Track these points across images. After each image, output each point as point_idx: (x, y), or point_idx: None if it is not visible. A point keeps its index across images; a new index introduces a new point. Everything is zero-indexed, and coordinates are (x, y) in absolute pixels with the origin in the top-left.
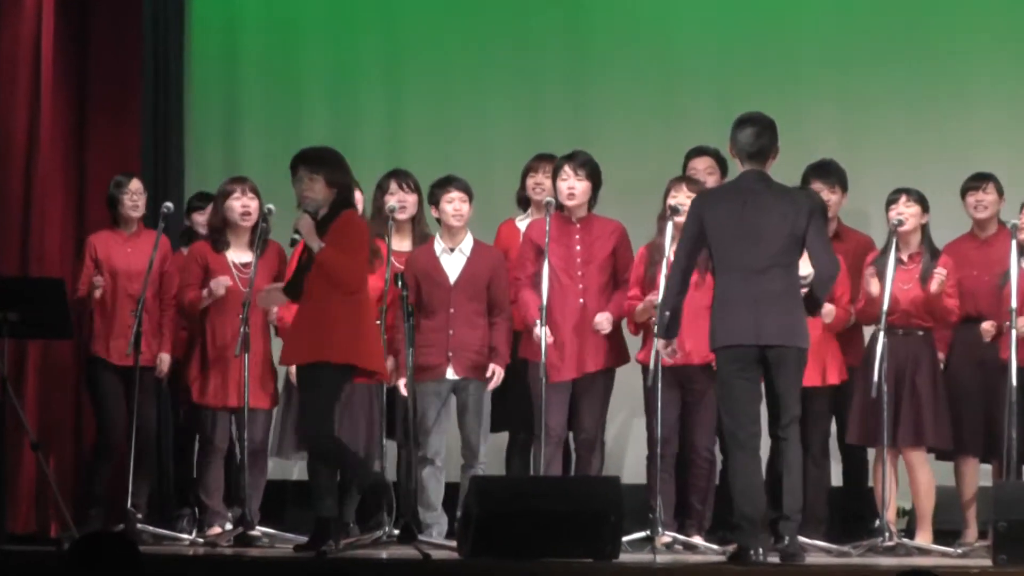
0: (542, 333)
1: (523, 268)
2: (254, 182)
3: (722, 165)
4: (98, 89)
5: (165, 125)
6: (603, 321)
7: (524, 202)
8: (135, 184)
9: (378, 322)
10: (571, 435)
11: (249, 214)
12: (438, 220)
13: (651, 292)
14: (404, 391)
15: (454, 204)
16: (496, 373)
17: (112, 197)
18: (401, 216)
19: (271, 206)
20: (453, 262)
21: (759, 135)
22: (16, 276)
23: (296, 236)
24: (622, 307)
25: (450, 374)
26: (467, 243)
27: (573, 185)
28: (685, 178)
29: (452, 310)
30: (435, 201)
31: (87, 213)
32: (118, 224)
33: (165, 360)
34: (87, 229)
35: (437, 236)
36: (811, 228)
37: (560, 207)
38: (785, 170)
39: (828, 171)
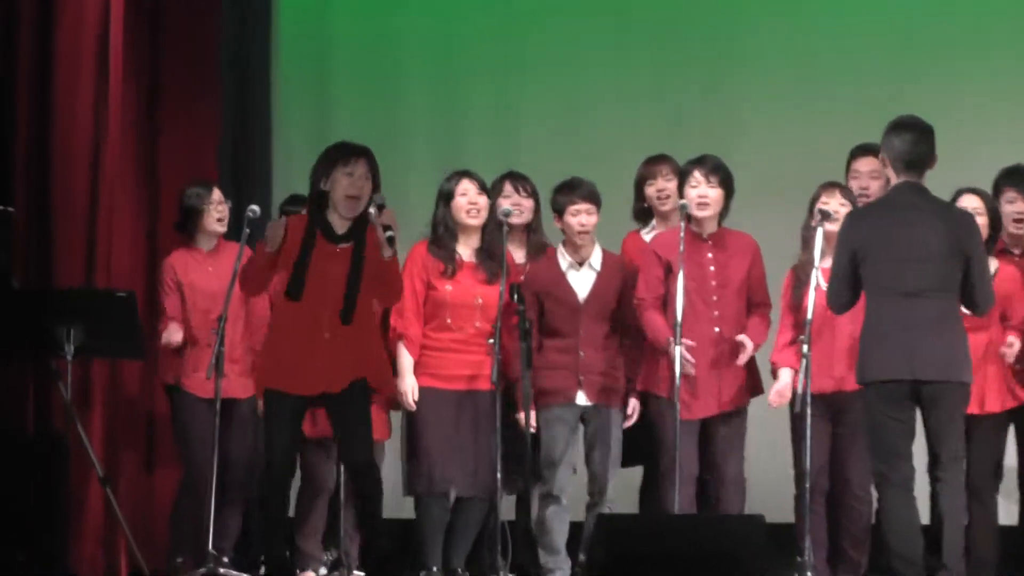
0: (676, 357)
1: (648, 288)
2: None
3: None
4: (172, 80)
5: (247, 121)
6: (746, 340)
7: (644, 214)
8: (217, 195)
9: (491, 340)
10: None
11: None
12: (561, 230)
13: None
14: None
15: (580, 217)
16: (635, 409)
17: (190, 209)
18: (516, 220)
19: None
20: (581, 279)
21: (917, 142)
22: (81, 287)
23: (390, 232)
24: (762, 334)
25: (581, 399)
26: (596, 257)
27: (705, 193)
28: (837, 184)
29: (582, 331)
30: (559, 210)
31: (160, 217)
32: (194, 239)
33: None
34: (160, 236)
35: (560, 249)
36: (976, 252)
37: (688, 218)
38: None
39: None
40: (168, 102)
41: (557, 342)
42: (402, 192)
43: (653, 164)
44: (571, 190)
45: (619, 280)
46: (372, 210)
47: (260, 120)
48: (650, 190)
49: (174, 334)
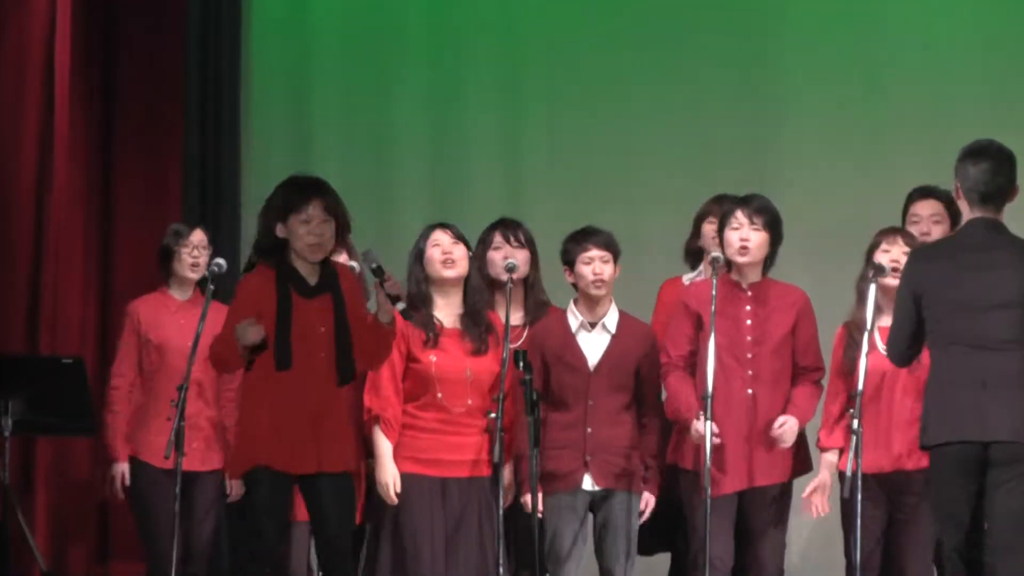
0: (707, 427)
1: (675, 345)
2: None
3: (952, 213)
4: (130, 108)
5: (217, 154)
6: (786, 433)
7: (695, 255)
8: (197, 237)
9: (492, 415)
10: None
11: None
12: (573, 285)
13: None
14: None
15: (594, 265)
16: (648, 504)
17: (166, 250)
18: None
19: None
20: (593, 341)
21: (995, 171)
22: (21, 353)
23: (400, 304)
24: (811, 408)
25: (587, 484)
26: (611, 317)
27: (747, 236)
28: (899, 230)
29: (591, 402)
30: (570, 261)
31: (114, 268)
32: (168, 285)
33: (234, 486)
34: (114, 291)
35: (572, 307)
36: None
37: (728, 265)
38: None
39: None
40: (124, 133)
41: (563, 415)
42: (389, 226)
43: (719, 203)
44: (584, 237)
45: (640, 348)
46: (367, 273)
47: (230, 153)
48: (708, 229)
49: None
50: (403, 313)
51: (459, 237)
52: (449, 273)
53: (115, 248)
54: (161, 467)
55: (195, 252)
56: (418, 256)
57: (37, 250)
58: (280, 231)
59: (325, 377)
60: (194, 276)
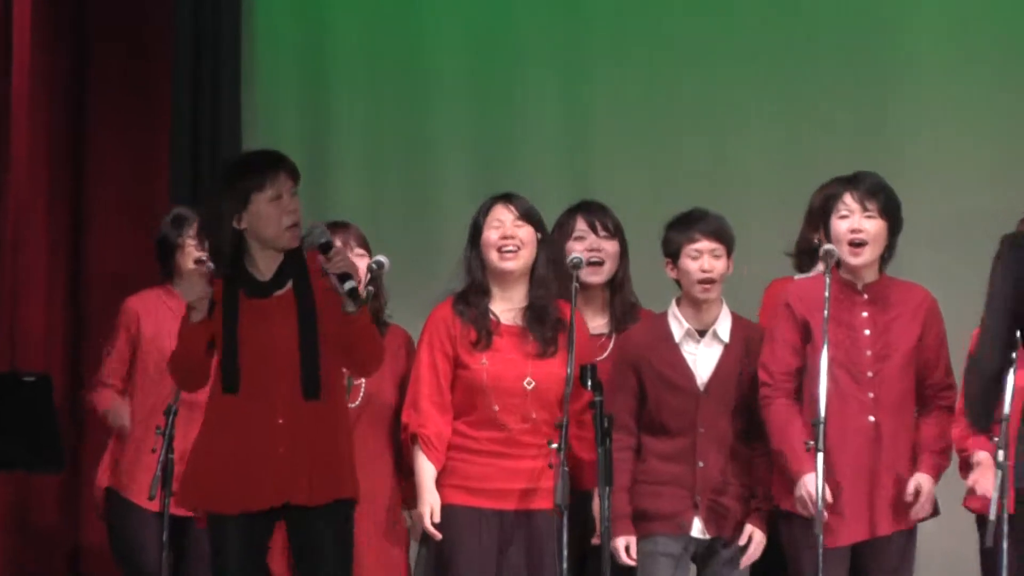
0: (818, 466)
1: (777, 359)
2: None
3: None
4: (106, 54)
5: (212, 135)
6: (923, 507)
7: (810, 255)
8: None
9: (554, 445)
10: None
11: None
12: (677, 282)
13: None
14: (626, 557)
15: (703, 261)
16: (755, 541)
17: (165, 243)
18: (594, 278)
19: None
20: (703, 354)
21: None
22: None
23: (350, 283)
24: (946, 453)
25: (696, 530)
26: (724, 322)
27: (860, 226)
28: None
29: (701, 429)
30: (672, 253)
31: (84, 268)
32: (172, 281)
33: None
34: (87, 295)
35: (673, 310)
36: None
37: (837, 264)
38: None
39: None
40: (99, 92)
41: (665, 443)
42: (425, 217)
43: (841, 185)
44: (690, 223)
45: (757, 354)
46: (320, 256)
47: (229, 118)
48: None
49: (119, 415)
50: (351, 294)
51: (526, 215)
52: (507, 265)
53: (87, 238)
54: (148, 508)
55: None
56: (474, 234)
57: None
58: (238, 222)
59: (288, 390)
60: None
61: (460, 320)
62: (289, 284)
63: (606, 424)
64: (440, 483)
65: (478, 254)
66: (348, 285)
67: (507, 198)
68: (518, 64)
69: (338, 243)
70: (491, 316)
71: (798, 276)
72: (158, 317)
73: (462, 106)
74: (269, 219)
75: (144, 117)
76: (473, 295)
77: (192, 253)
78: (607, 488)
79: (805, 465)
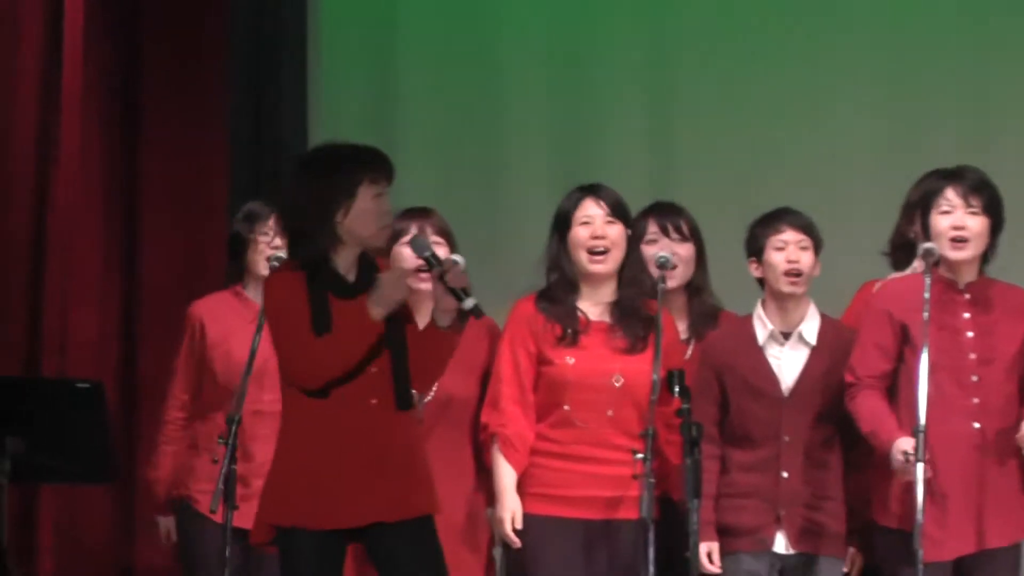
0: (919, 474)
1: (865, 362)
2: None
3: None
4: (159, 87)
5: (274, 129)
6: None
7: (904, 250)
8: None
9: (640, 455)
10: None
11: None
12: (759, 282)
13: None
14: (709, 564)
15: (788, 251)
16: (856, 566)
17: (238, 239)
18: (671, 283)
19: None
20: (788, 357)
21: None
22: (20, 376)
23: (469, 302)
24: None
25: (780, 545)
26: (811, 323)
27: (963, 222)
28: None
29: (786, 438)
30: (756, 249)
31: (139, 269)
32: (243, 282)
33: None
34: (143, 292)
35: (758, 312)
36: None
37: (936, 263)
38: None
39: None
40: (154, 81)
41: (747, 454)
42: (498, 208)
43: (937, 179)
44: (776, 217)
45: (847, 362)
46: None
47: (293, 104)
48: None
49: (166, 524)
50: (474, 312)
51: (617, 211)
52: (598, 268)
53: (142, 239)
54: (220, 521)
55: (275, 240)
56: (561, 228)
57: (38, 240)
58: (341, 216)
59: (381, 400)
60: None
61: (544, 316)
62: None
63: (694, 433)
64: (520, 490)
65: (565, 250)
66: (470, 303)
67: (596, 191)
68: (597, 51)
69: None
70: (579, 313)
71: (893, 274)
72: (226, 322)
73: (538, 93)
74: (369, 215)
75: (201, 113)
76: (560, 291)
77: (265, 251)
78: (695, 500)
79: (896, 433)
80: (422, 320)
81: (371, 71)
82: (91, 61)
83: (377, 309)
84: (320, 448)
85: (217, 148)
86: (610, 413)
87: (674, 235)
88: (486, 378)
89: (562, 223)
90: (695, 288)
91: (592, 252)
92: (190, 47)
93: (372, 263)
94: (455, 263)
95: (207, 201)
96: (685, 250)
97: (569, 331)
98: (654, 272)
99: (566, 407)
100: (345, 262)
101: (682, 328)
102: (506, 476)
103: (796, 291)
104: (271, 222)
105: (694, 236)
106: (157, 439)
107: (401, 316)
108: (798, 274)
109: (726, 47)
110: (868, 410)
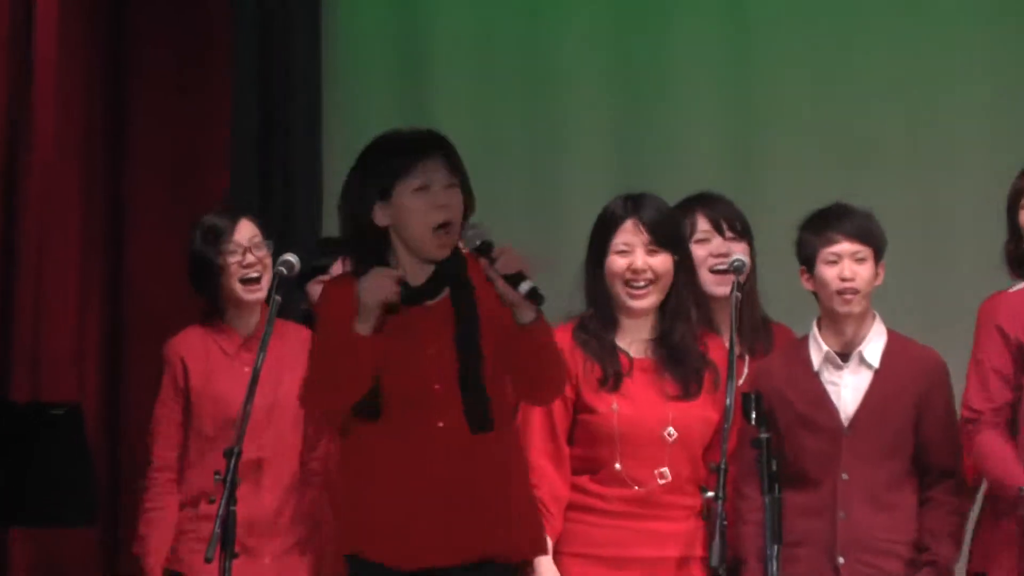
0: None
1: (985, 393)
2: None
3: None
4: (149, 66)
5: (286, 128)
6: None
7: (1019, 259)
8: (245, 230)
9: (709, 493)
10: None
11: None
12: (814, 295)
13: None
14: None
15: (842, 266)
16: None
17: (199, 261)
18: (721, 289)
19: (290, 257)
20: (848, 383)
21: None
22: None
23: (526, 284)
24: None
25: None
26: (874, 344)
27: None
28: None
29: (845, 475)
30: (807, 258)
31: (126, 278)
32: (222, 314)
33: None
34: (128, 304)
35: (814, 331)
36: None
37: None
38: None
39: None
40: (142, 90)
41: (802, 495)
42: (547, 211)
43: None
44: (826, 221)
45: (921, 386)
46: (473, 252)
47: (307, 77)
48: None
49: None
50: (532, 295)
51: (662, 238)
52: (636, 304)
53: (128, 241)
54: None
55: (247, 257)
56: (597, 253)
57: (7, 238)
58: (380, 217)
59: (449, 422)
60: (252, 296)
61: (582, 352)
62: (446, 291)
63: (775, 467)
64: (557, 550)
65: (601, 278)
66: (525, 286)
67: (638, 210)
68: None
69: (506, 245)
70: (619, 351)
71: (1015, 287)
72: (209, 362)
73: (597, 81)
74: (411, 215)
75: (201, 96)
76: (596, 325)
77: (238, 272)
78: (775, 546)
79: (1019, 481)
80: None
81: (396, 58)
82: (70, 36)
83: (359, 320)
84: (380, 479)
85: (215, 140)
86: (666, 478)
87: (729, 233)
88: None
89: (599, 246)
90: (747, 295)
91: (630, 285)
92: (185, 27)
93: (459, 267)
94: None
95: (203, 200)
96: (740, 250)
97: (611, 372)
98: (706, 279)
99: (617, 466)
100: (412, 268)
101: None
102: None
103: (852, 310)
104: (237, 234)
105: (747, 234)
106: (141, 506)
107: (469, 316)
108: (853, 293)
109: (811, 40)
110: (992, 453)
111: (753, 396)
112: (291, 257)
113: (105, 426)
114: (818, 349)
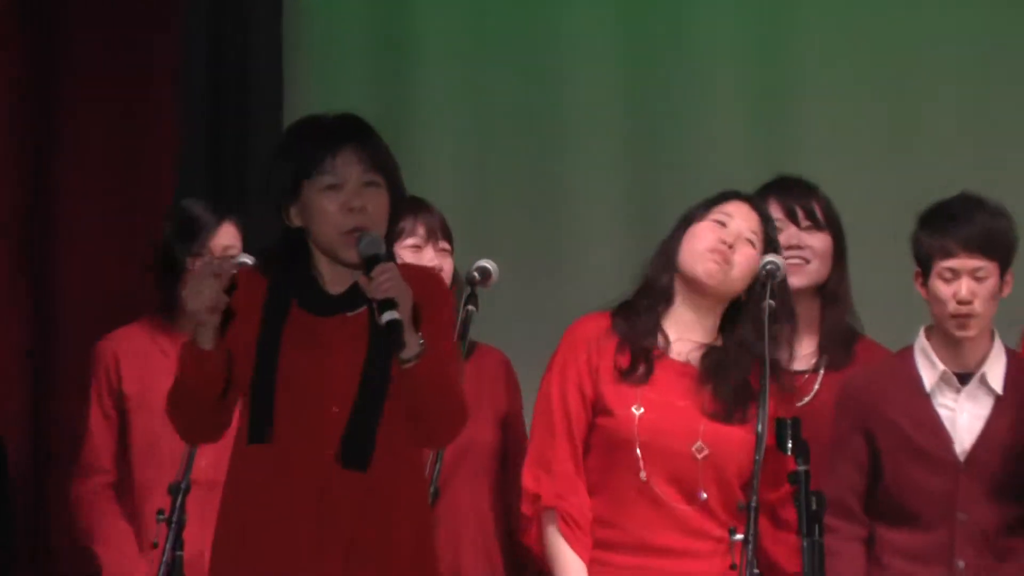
0: None
1: None
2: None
3: None
4: (77, 84)
5: (240, 50)
6: None
7: None
8: (226, 235)
9: (738, 536)
10: None
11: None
12: (928, 303)
13: None
14: None
15: (960, 285)
16: None
17: (166, 252)
18: (795, 280)
19: (245, 258)
20: (965, 409)
21: None
22: None
23: (389, 314)
24: None
25: None
26: (995, 364)
27: None
28: None
29: (962, 516)
30: (924, 259)
31: (56, 289)
32: (170, 314)
33: None
34: (57, 318)
35: (922, 343)
36: None
37: None
38: None
39: None
40: (72, 65)
41: (911, 536)
42: (549, 210)
43: None
44: (946, 226)
45: None
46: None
47: (268, 58)
48: None
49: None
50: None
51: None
52: (713, 280)
53: (57, 246)
54: None
55: (223, 255)
56: (680, 232)
57: None
58: (292, 216)
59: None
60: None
61: (615, 338)
62: (366, 306)
63: (814, 505)
64: None
65: (676, 256)
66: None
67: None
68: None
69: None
70: (660, 333)
71: None
72: (147, 366)
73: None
74: (320, 217)
75: (139, 66)
76: (645, 300)
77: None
78: None
79: None
80: None
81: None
82: None
83: (200, 332)
84: (258, 507)
85: (159, 126)
86: (704, 496)
87: (804, 221)
88: (506, 425)
89: (687, 222)
90: (830, 294)
91: (714, 260)
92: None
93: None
94: (486, 271)
95: (143, 196)
96: (819, 241)
97: (640, 364)
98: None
99: (642, 475)
100: (332, 275)
101: (809, 351)
102: (573, 567)
103: (967, 334)
104: (217, 239)
105: (831, 225)
106: (77, 525)
107: (390, 337)
108: (969, 319)
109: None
110: None
111: (790, 422)
112: (246, 258)
113: (30, 457)
114: (931, 367)
